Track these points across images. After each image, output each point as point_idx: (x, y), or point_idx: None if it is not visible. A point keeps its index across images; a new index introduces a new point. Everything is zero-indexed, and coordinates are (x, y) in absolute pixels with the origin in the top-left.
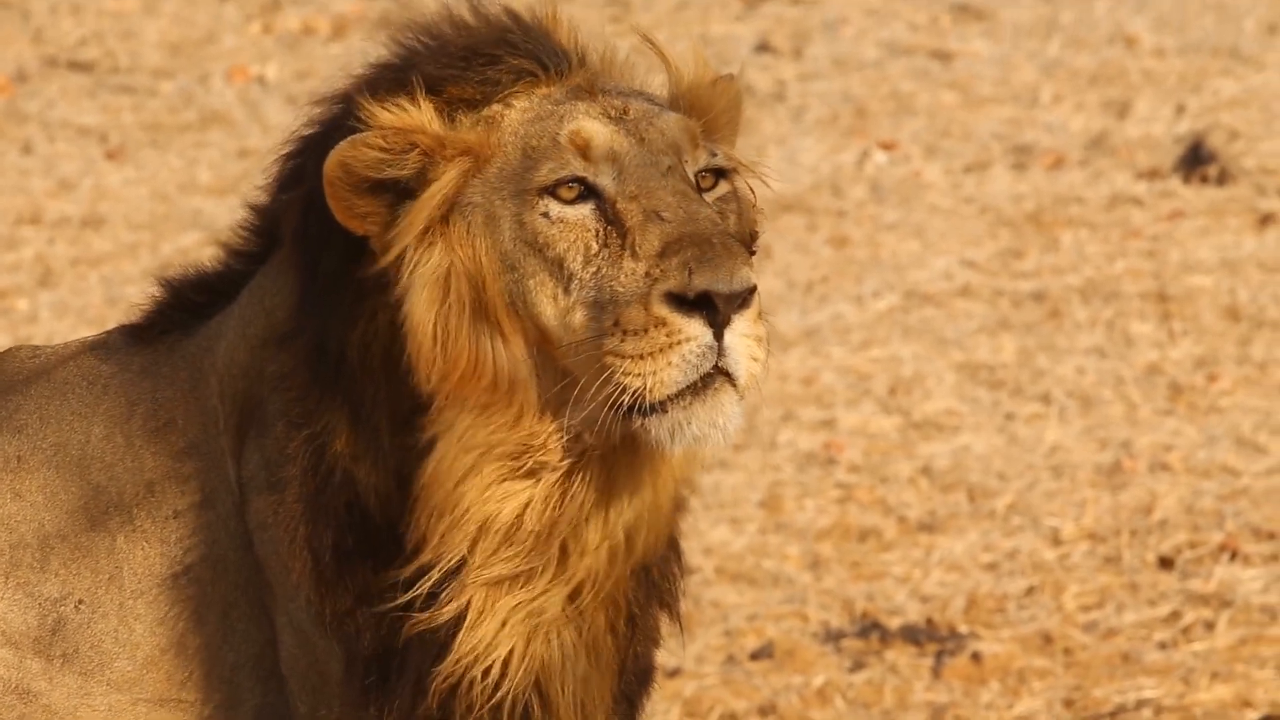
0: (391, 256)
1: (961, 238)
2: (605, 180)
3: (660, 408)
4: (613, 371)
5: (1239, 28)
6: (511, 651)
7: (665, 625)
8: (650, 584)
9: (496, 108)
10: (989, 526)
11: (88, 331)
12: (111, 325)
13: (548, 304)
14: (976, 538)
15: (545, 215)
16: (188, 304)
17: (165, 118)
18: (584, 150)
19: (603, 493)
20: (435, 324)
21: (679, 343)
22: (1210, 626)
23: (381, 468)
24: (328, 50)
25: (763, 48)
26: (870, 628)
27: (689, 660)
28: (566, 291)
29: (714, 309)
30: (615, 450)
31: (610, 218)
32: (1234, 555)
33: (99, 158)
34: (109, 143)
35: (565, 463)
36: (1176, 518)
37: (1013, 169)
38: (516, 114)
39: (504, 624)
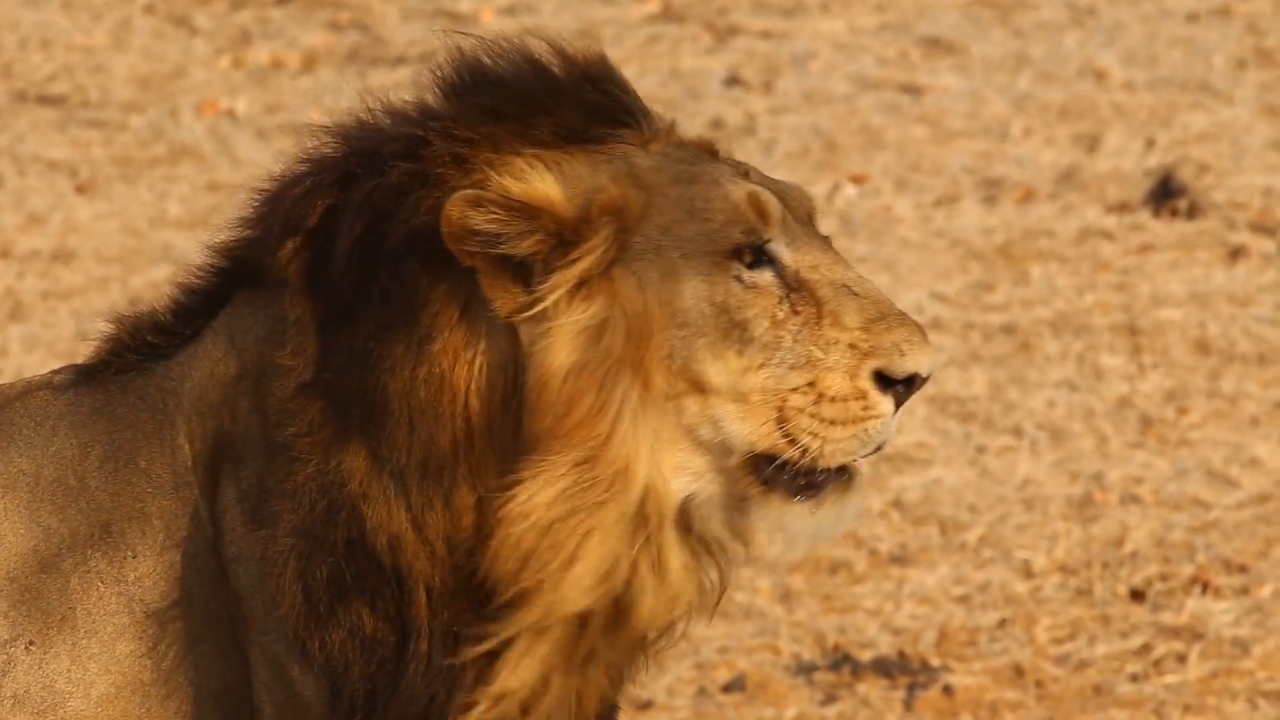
0: (533, 313)
1: (932, 271)
2: (780, 247)
3: (814, 480)
4: (793, 425)
5: (1208, 62)
6: (531, 691)
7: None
8: None
9: (620, 164)
10: (960, 559)
11: (58, 365)
12: (81, 359)
13: (714, 362)
14: (948, 570)
15: (738, 279)
16: (143, 344)
17: (135, 151)
18: (763, 215)
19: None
20: (570, 372)
21: (872, 417)
22: (1182, 659)
23: (400, 512)
24: (297, 84)
25: (733, 81)
26: (842, 660)
27: (660, 693)
28: (741, 354)
29: (901, 390)
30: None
31: (793, 285)
32: (1205, 588)
33: (69, 191)
34: (79, 176)
35: (662, 523)
36: (1148, 550)
37: (983, 202)
38: (649, 170)
39: (536, 666)
